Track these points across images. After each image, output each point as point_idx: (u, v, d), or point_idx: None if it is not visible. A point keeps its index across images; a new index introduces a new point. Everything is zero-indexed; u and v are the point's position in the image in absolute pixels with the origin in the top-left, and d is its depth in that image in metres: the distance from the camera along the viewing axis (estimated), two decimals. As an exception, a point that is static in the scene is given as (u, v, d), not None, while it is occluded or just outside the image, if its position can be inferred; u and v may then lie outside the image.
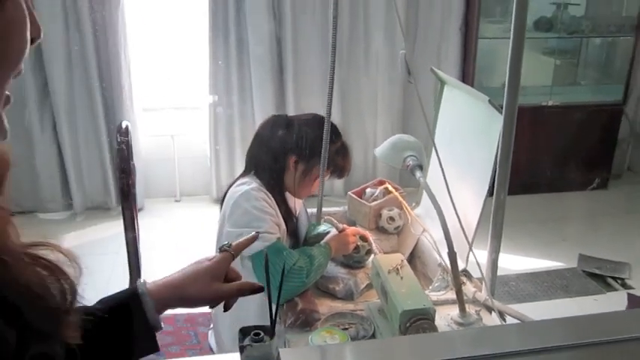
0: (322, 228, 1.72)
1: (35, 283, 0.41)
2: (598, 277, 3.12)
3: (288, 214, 1.67)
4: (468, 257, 1.53)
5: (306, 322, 1.42)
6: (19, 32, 0.43)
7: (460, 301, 1.36)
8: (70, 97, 3.63)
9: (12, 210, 0.45)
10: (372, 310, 1.43)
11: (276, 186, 1.65)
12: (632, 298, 2.87)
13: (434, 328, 1.23)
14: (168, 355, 2.32)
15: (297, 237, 1.73)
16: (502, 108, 1.35)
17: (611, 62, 4.33)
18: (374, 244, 1.73)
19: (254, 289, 0.90)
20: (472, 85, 3.45)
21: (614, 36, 4.12)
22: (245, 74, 3.81)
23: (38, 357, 0.44)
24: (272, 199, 1.61)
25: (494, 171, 1.41)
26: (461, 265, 1.41)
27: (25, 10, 0.43)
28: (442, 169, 1.38)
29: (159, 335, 0.83)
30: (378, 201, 1.85)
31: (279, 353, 0.97)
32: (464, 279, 1.51)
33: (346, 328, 1.37)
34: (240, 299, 1.52)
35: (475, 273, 1.57)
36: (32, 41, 0.47)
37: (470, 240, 1.47)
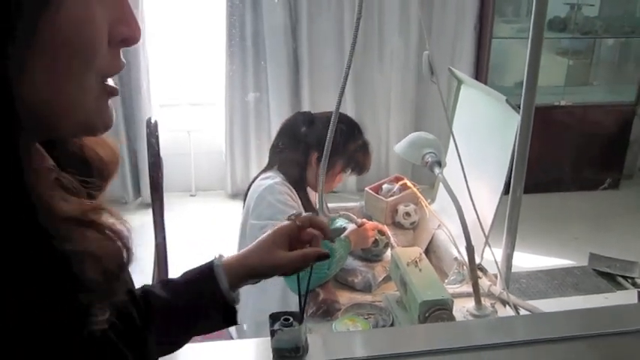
0: (339, 223, 1.77)
1: (95, 246, 0.42)
2: (608, 275, 3.16)
3: (309, 209, 1.72)
4: (483, 252, 1.57)
5: (327, 312, 1.48)
6: (80, 29, 0.42)
7: (476, 293, 1.41)
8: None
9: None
10: (390, 301, 1.48)
11: (298, 181, 1.71)
12: (642, 297, 2.90)
13: (452, 319, 1.28)
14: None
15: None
16: (518, 107, 1.39)
17: (625, 63, 4.33)
18: (392, 238, 1.78)
19: (320, 256, 0.84)
20: (485, 84, 3.47)
21: (627, 37, 4.13)
22: (261, 71, 3.87)
23: (113, 325, 0.46)
24: (294, 193, 1.67)
25: (510, 169, 1.45)
26: (476, 260, 1.46)
27: (90, 8, 0.43)
28: (462, 165, 1.43)
29: None
30: (395, 197, 1.90)
31: (306, 338, 1.03)
32: (480, 273, 1.55)
33: (366, 318, 1.42)
34: (262, 290, 1.57)
35: (489, 269, 1.62)
36: (126, 41, 0.48)
37: (486, 235, 1.52)
